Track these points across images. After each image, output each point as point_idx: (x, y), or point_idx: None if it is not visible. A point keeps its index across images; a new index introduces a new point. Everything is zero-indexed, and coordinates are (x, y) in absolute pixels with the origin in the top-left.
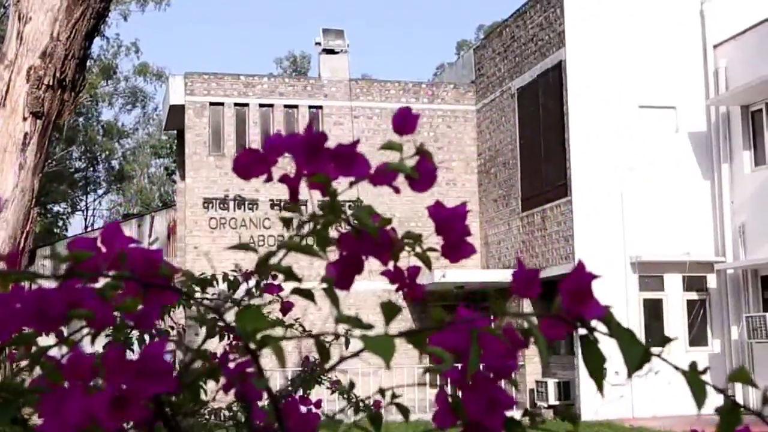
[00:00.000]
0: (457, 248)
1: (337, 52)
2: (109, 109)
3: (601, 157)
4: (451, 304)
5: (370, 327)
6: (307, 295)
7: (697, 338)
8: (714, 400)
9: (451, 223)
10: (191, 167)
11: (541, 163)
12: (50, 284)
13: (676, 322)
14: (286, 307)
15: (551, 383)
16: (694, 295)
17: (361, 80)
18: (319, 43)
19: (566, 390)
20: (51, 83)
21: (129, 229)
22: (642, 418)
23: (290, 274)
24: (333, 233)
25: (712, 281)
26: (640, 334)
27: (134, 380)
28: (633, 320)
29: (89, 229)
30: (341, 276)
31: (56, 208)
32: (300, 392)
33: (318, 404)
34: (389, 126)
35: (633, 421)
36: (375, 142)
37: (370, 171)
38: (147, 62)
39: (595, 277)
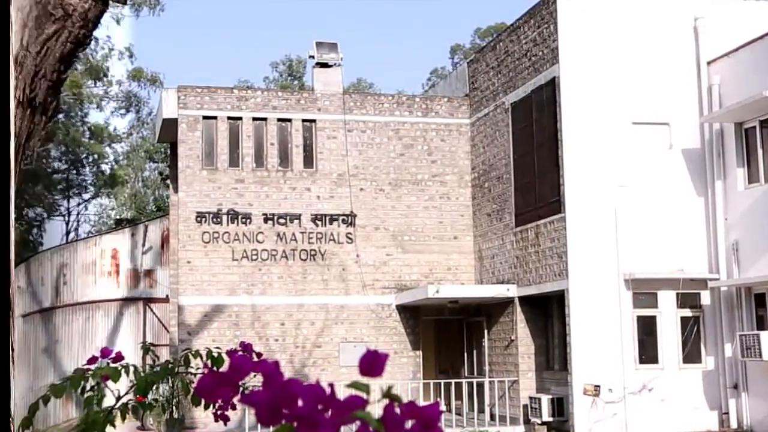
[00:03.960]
0: None
1: (330, 66)
2: (99, 111)
3: (594, 174)
4: (446, 318)
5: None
6: None
7: (691, 355)
8: (708, 417)
9: None
10: (184, 181)
11: (534, 178)
12: None
13: (669, 339)
14: None
15: (545, 399)
16: (687, 312)
17: (354, 94)
18: (312, 56)
19: (560, 406)
20: (21, 99)
21: (122, 237)
22: None
23: None
24: None
25: (705, 298)
26: (634, 351)
27: None
28: (626, 337)
29: (72, 236)
30: None
31: (31, 213)
32: None
33: None
34: (383, 139)
35: None
36: (369, 156)
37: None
38: (141, 67)
39: None
